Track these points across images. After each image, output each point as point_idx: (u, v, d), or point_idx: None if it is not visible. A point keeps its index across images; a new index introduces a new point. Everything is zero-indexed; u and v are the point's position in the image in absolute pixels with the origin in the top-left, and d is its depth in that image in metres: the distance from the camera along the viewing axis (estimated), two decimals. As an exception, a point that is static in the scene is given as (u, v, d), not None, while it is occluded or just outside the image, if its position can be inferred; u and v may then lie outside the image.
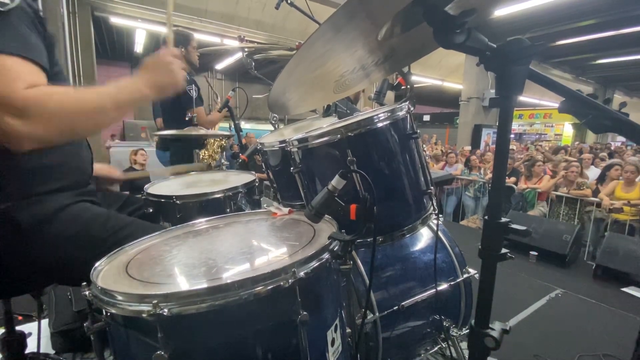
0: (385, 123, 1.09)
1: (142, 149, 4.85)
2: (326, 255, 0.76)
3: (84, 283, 0.71)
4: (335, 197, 0.84)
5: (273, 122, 1.94)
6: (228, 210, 1.38)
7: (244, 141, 2.50)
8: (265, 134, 1.79)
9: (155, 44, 9.82)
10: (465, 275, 1.43)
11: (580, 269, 3.70)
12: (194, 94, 2.59)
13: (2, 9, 0.76)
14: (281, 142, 1.34)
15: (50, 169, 0.96)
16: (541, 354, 2.04)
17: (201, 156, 2.64)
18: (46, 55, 0.83)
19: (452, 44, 0.67)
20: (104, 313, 0.69)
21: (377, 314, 1.22)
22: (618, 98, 15.70)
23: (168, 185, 1.63)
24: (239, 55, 2.16)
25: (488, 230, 0.75)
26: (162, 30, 6.97)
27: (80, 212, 1.01)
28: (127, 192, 1.54)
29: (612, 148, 9.70)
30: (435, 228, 1.38)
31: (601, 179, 4.71)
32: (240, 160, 1.84)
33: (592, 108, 0.67)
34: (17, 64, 0.75)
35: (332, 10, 0.64)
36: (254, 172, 1.75)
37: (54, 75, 0.89)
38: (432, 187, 1.23)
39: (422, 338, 1.39)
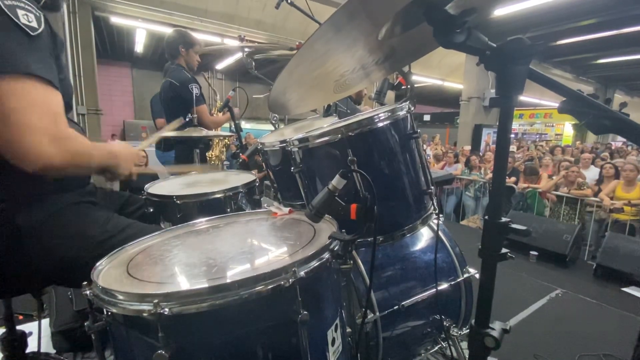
0: (385, 123, 1.09)
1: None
2: (326, 255, 0.76)
3: (85, 283, 0.71)
4: (336, 196, 0.84)
5: (273, 122, 1.94)
6: (228, 210, 1.39)
7: (243, 141, 2.51)
8: (266, 134, 1.79)
9: (155, 43, 9.84)
10: (466, 275, 1.43)
11: (581, 268, 3.69)
12: (196, 92, 2.59)
13: (33, 34, 0.79)
14: (282, 141, 1.34)
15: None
16: (541, 353, 2.04)
17: (208, 156, 2.64)
18: (57, 79, 0.88)
19: (452, 44, 0.67)
20: (105, 312, 0.69)
21: (377, 313, 1.22)
22: (618, 98, 15.68)
23: (168, 185, 1.63)
24: (239, 55, 2.16)
25: (488, 230, 0.75)
26: (162, 30, 6.98)
27: (80, 214, 1.01)
28: (127, 192, 1.54)
29: (613, 148, 9.69)
30: (435, 228, 1.39)
31: (599, 180, 4.71)
32: (240, 160, 1.84)
33: (592, 108, 0.66)
34: (54, 95, 0.83)
35: (332, 10, 0.64)
36: (255, 172, 1.75)
37: (62, 82, 0.91)
38: (432, 187, 1.23)
39: (422, 338, 1.39)
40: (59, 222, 0.96)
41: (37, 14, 0.82)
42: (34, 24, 0.80)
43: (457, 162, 6.73)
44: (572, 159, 5.29)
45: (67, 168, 0.85)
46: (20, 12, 0.77)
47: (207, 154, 2.74)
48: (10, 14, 0.76)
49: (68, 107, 1.03)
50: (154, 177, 1.68)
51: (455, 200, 6.07)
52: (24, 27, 0.77)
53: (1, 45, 0.75)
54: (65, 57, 4.97)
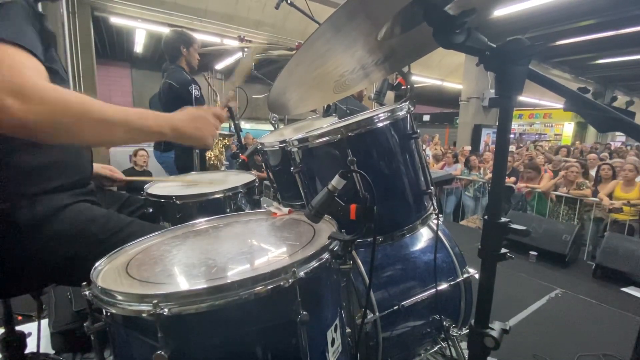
0: (385, 123, 1.09)
1: (143, 149, 4.84)
2: (326, 255, 0.76)
3: (84, 283, 0.71)
4: (335, 197, 0.84)
5: (273, 122, 1.94)
6: (228, 210, 1.38)
7: (243, 141, 2.51)
8: (265, 134, 1.79)
9: (154, 43, 9.83)
10: (465, 275, 1.43)
11: (580, 268, 3.70)
12: (196, 93, 2.59)
13: (1, 1, 0.76)
14: (281, 142, 1.34)
15: (49, 168, 0.96)
16: (541, 353, 2.04)
17: (207, 157, 2.64)
18: (41, 51, 0.81)
19: (451, 44, 0.67)
20: (104, 313, 0.69)
21: (377, 313, 1.22)
22: (618, 98, 15.69)
23: (168, 185, 1.63)
24: (238, 55, 2.16)
25: (488, 230, 0.75)
26: (162, 30, 6.98)
27: (80, 212, 1.01)
28: (125, 192, 1.54)
29: (612, 148, 9.70)
30: (435, 228, 1.39)
31: (597, 181, 4.71)
32: (240, 160, 1.84)
33: (591, 107, 0.67)
34: (23, 55, 0.74)
35: (332, 11, 0.64)
36: (254, 172, 1.75)
37: (52, 72, 0.89)
38: (432, 187, 1.23)
39: (422, 338, 1.39)
40: (59, 220, 0.95)
41: None
42: None
43: (456, 162, 6.73)
44: (577, 161, 5.27)
45: (53, 124, 0.72)
46: None
47: (206, 154, 2.74)
48: None
49: None
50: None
51: (455, 201, 6.08)
52: None
53: None
54: (64, 56, 4.98)
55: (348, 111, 2.03)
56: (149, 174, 4.63)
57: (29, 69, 0.73)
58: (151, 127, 0.86)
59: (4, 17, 0.76)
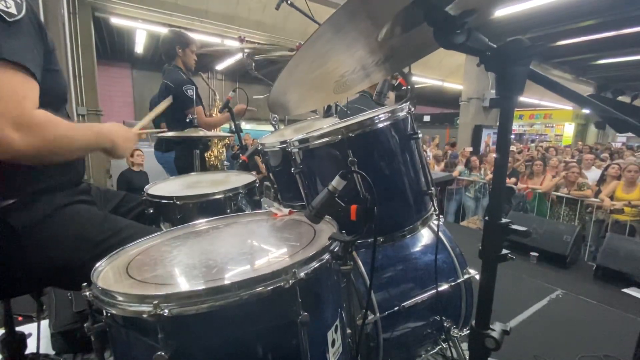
0: (385, 124, 1.09)
1: (139, 150, 4.83)
2: (327, 256, 0.76)
3: (84, 284, 0.71)
4: (336, 197, 0.84)
5: (273, 122, 1.94)
6: (228, 211, 1.38)
7: (243, 141, 2.51)
8: (266, 135, 1.79)
9: (155, 44, 9.84)
10: (466, 276, 1.43)
11: (581, 269, 3.69)
12: (190, 93, 2.59)
13: (9, 20, 0.78)
14: (282, 142, 1.34)
15: (39, 167, 0.94)
16: (542, 354, 2.04)
17: (207, 157, 2.64)
18: (41, 67, 0.86)
19: (452, 45, 0.67)
20: (105, 314, 0.69)
21: (377, 314, 1.22)
22: (617, 98, 15.63)
23: (168, 186, 1.63)
24: (239, 55, 2.16)
25: (488, 231, 0.74)
26: (162, 30, 6.99)
27: (75, 214, 1.00)
28: (123, 191, 1.54)
29: (613, 149, 9.69)
30: (436, 229, 1.38)
31: (601, 181, 4.71)
32: (240, 161, 1.84)
33: (592, 107, 0.67)
34: (26, 80, 0.80)
35: (332, 11, 0.64)
36: (254, 173, 1.75)
37: (54, 74, 0.90)
38: (432, 188, 1.23)
39: (422, 339, 1.39)
40: (53, 224, 0.95)
41: (19, 1, 0.81)
42: (12, 10, 0.79)
43: (455, 164, 6.71)
44: (574, 162, 5.28)
45: (42, 155, 0.81)
46: None
47: (205, 154, 2.74)
48: None
49: (62, 101, 1.03)
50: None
51: (456, 206, 6.08)
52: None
53: None
54: (65, 56, 4.99)
55: (349, 112, 2.03)
56: (146, 174, 4.63)
57: (29, 100, 0.80)
58: (102, 144, 1.00)
59: (13, 35, 0.79)
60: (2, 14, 0.77)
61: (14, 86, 0.78)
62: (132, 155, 4.80)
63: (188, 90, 2.59)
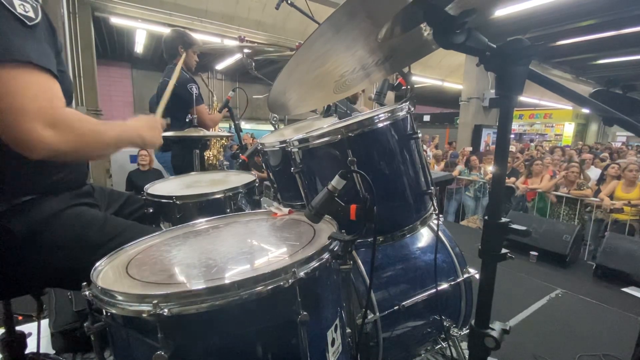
0: (385, 123, 1.09)
1: (143, 150, 4.86)
2: (326, 255, 0.76)
3: (84, 283, 0.71)
4: (336, 197, 0.84)
5: (273, 122, 1.94)
6: (228, 210, 1.38)
7: (242, 141, 2.51)
8: (266, 134, 1.79)
9: (155, 44, 9.84)
10: (466, 275, 1.43)
11: (581, 269, 3.69)
12: (195, 92, 2.59)
13: (30, 24, 0.79)
14: (282, 142, 1.34)
15: (41, 170, 0.95)
16: (541, 354, 2.04)
17: (206, 157, 2.64)
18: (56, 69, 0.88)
19: (452, 44, 0.67)
20: (104, 313, 0.69)
21: (377, 313, 1.22)
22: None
23: (168, 185, 1.63)
24: (239, 55, 2.16)
25: (488, 231, 0.75)
26: (162, 30, 6.99)
27: (76, 217, 1.00)
28: (126, 192, 1.54)
29: (613, 148, 9.69)
30: (435, 228, 1.38)
31: (600, 180, 4.71)
32: (240, 161, 1.84)
33: (593, 107, 0.67)
34: (51, 81, 0.82)
35: (332, 11, 0.64)
36: (254, 172, 1.75)
37: (62, 75, 0.91)
38: (432, 187, 1.23)
39: (422, 338, 1.39)
40: (55, 226, 0.94)
41: (34, 4, 0.82)
42: (31, 14, 0.80)
43: (455, 164, 6.72)
44: (577, 163, 5.29)
45: (76, 151, 0.84)
46: (16, 2, 0.77)
47: (204, 153, 2.74)
48: (6, 4, 0.76)
49: (69, 101, 1.03)
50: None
51: (456, 205, 6.08)
52: (20, 16, 0.77)
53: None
54: (65, 56, 4.99)
55: (348, 112, 2.03)
56: (155, 172, 4.64)
57: (59, 99, 0.83)
58: (131, 138, 1.02)
59: (35, 39, 0.81)
60: (23, 18, 0.78)
61: (44, 87, 0.80)
62: (138, 155, 4.82)
63: (192, 89, 2.59)
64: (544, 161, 5.34)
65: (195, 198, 1.38)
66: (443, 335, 1.38)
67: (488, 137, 10.03)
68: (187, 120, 2.11)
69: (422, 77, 11.96)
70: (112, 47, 10.95)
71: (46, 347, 1.76)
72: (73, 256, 0.95)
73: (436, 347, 1.41)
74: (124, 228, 1.06)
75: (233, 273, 0.73)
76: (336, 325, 0.81)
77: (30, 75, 0.78)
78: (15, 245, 0.89)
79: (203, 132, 2.08)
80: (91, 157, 0.93)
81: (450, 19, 0.66)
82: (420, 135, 1.18)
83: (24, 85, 0.76)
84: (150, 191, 1.44)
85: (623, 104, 0.64)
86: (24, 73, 0.77)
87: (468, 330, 0.81)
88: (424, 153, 1.27)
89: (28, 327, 1.41)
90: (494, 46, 0.67)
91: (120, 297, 0.64)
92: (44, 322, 1.89)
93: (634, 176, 4.21)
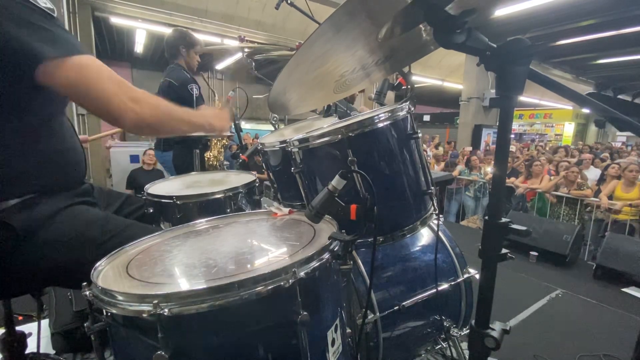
0: (385, 123, 1.09)
1: (151, 149, 4.85)
2: (326, 256, 0.76)
3: (84, 283, 0.71)
4: (336, 197, 0.84)
5: (273, 122, 1.94)
6: (228, 210, 1.38)
7: (243, 141, 2.50)
8: (266, 134, 1.79)
9: (155, 44, 9.84)
10: (466, 276, 1.43)
11: (581, 269, 3.70)
12: (195, 92, 2.59)
13: (54, 15, 0.84)
14: (282, 142, 1.34)
15: (40, 168, 0.94)
16: (541, 354, 2.04)
17: (206, 157, 2.64)
18: None
19: (452, 44, 0.67)
20: (105, 313, 0.69)
21: (377, 314, 1.22)
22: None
23: (168, 185, 1.63)
24: (239, 55, 2.16)
25: (488, 231, 0.75)
26: (163, 30, 6.99)
27: (77, 215, 1.00)
28: (126, 192, 1.54)
29: (613, 148, 9.69)
30: (435, 228, 1.38)
31: (601, 180, 4.71)
32: (240, 161, 1.84)
33: (593, 106, 0.67)
34: (102, 63, 0.88)
35: (332, 11, 0.64)
36: (254, 172, 1.75)
37: None
38: (432, 187, 1.23)
39: (422, 338, 1.39)
40: (55, 225, 0.94)
41: None
42: (50, 5, 0.83)
43: (455, 164, 6.72)
44: (574, 160, 5.29)
45: (158, 123, 0.93)
46: None
47: (205, 154, 2.73)
48: (31, 0, 0.79)
49: (66, 102, 1.03)
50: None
51: (457, 205, 6.08)
52: (46, 10, 0.81)
53: (46, 30, 0.80)
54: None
55: (348, 111, 2.03)
56: (158, 172, 4.64)
57: (124, 80, 0.90)
58: (200, 123, 1.11)
59: (65, 29, 0.86)
60: (47, 11, 0.81)
61: (107, 69, 0.87)
62: (143, 154, 4.83)
63: (193, 89, 2.59)
64: (542, 160, 5.35)
65: (195, 198, 1.38)
66: (443, 336, 1.38)
67: (488, 137, 10.03)
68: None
69: (422, 77, 11.96)
70: (112, 47, 10.95)
71: (46, 347, 1.76)
72: (74, 254, 0.95)
73: (436, 347, 1.41)
74: (125, 226, 1.06)
75: (233, 273, 0.73)
76: (336, 325, 0.81)
77: (93, 61, 0.85)
78: (16, 242, 0.89)
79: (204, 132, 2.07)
80: (166, 131, 1.03)
81: (451, 19, 0.66)
82: (420, 135, 1.18)
83: (96, 71, 0.84)
84: (150, 191, 1.44)
85: (614, 106, 0.64)
86: (88, 60, 0.84)
87: (468, 331, 0.81)
88: (424, 153, 1.27)
89: (28, 327, 1.41)
90: (494, 46, 0.67)
91: (120, 297, 0.64)
92: (44, 322, 1.89)
93: (634, 176, 4.21)
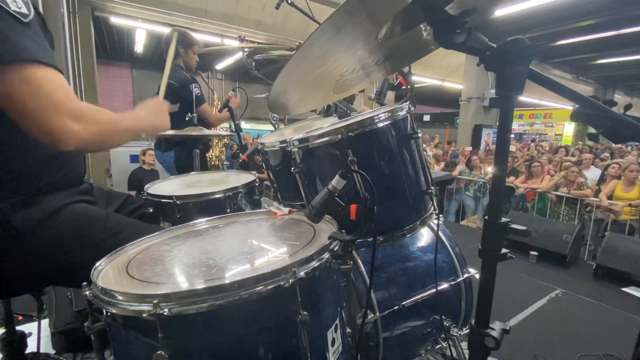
0: (385, 123, 1.09)
1: (151, 149, 4.84)
2: (326, 255, 0.76)
3: (84, 283, 0.71)
4: (336, 197, 0.84)
5: (273, 122, 1.94)
6: (228, 210, 1.39)
7: (243, 141, 2.51)
8: (266, 134, 1.79)
9: (155, 43, 9.84)
10: (466, 275, 1.43)
11: (581, 268, 3.70)
12: (196, 92, 2.59)
13: (25, 20, 0.79)
14: (282, 142, 1.34)
15: (39, 167, 0.94)
16: (541, 353, 2.04)
17: (208, 157, 2.63)
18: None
19: (452, 44, 0.67)
20: (105, 313, 0.69)
21: (377, 313, 1.22)
22: (618, 98, 15.67)
23: (168, 185, 1.63)
24: (239, 55, 2.16)
25: (488, 230, 0.75)
26: (162, 30, 6.99)
27: (77, 214, 1.00)
28: (126, 192, 1.54)
29: (613, 148, 9.67)
30: (435, 228, 1.38)
31: (601, 180, 4.71)
32: (240, 160, 1.84)
33: (593, 109, 0.67)
34: (60, 76, 0.82)
35: (332, 11, 0.64)
36: (254, 172, 1.75)
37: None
38: (432, 187, 1.23)
39: (422, 338, 1.39)
40: (55, 223, 0.94)
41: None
42: (24, 10, 0.79)
43: (455, 164, 6.72)
44: (574, 159, 5.29)
45: (100, 141, 0.87)
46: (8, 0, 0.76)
47: (206, 154, 2.73)
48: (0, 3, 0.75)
49: None
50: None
51: (457, 205, 6.08)
52: (15, 14, 0.76)
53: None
54: (65, 56, 4.98)
55: (348, 111, 2.03)
56: (157, 172, 4.63)
57: (72, 93, 0.83)
58: (144, 128, 1.06)
59: (33, 36, 0.80)
60: (18, 16, 0.77)
61: (58, 83, 0.80)
62: (143, 154, 4.81)
63: (194, 89, 2.59)
64: (542, 160, 5.35)
65: (195, 198, 1.38)
66: (443, 335, 1.38)
67: (488, 137, 10.03)
68: (186, 119, 2.10)
69: (422, 77, 11.97)
70: (112, 46, 10.95)
71: (46, 347, 1.76)
72: (74, 252, 0.95)
73: (436, 347, 1.41)
74: (126, 225, 1.06)
75: (233, 273, 0.73)
76: (336, 325, 0.81)
77: (43, 74, 0.78)
78: (17, 240, 0.89)
79: (204, 131, 2.08)
80: (111, 146, 0.97)
81: (450, 19, 0.66)
82: (420, 135, 1.18)
83: (40, 84, 0.77)
84: (150, 191, 1.44)
85: (619, 122, 0.64)
86: (36, 72, 0.77)
87: (468, 330, 0.81)
88: (424, 153, 1.27)
89: (28, 327, 1.41)
90: (494, 46, 0.67)
91: (120, 297, 0.64)
92: (44, 322, 1.89)
93: (634, 176, 4.21)
